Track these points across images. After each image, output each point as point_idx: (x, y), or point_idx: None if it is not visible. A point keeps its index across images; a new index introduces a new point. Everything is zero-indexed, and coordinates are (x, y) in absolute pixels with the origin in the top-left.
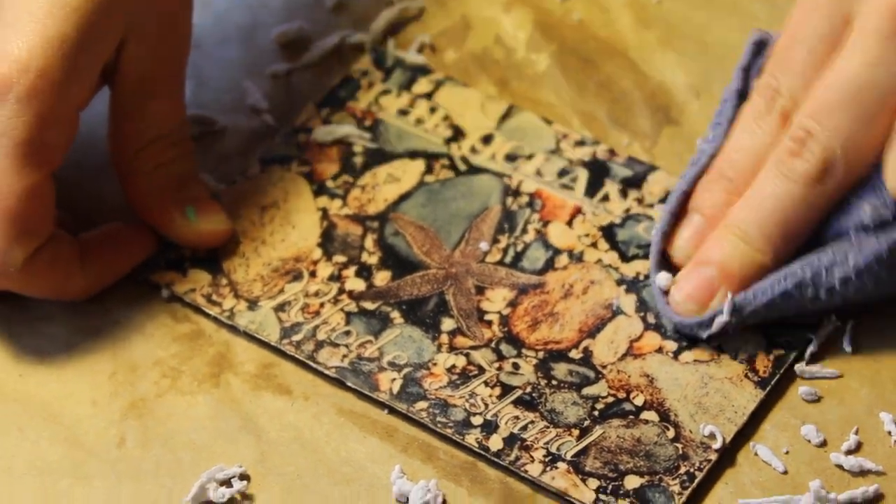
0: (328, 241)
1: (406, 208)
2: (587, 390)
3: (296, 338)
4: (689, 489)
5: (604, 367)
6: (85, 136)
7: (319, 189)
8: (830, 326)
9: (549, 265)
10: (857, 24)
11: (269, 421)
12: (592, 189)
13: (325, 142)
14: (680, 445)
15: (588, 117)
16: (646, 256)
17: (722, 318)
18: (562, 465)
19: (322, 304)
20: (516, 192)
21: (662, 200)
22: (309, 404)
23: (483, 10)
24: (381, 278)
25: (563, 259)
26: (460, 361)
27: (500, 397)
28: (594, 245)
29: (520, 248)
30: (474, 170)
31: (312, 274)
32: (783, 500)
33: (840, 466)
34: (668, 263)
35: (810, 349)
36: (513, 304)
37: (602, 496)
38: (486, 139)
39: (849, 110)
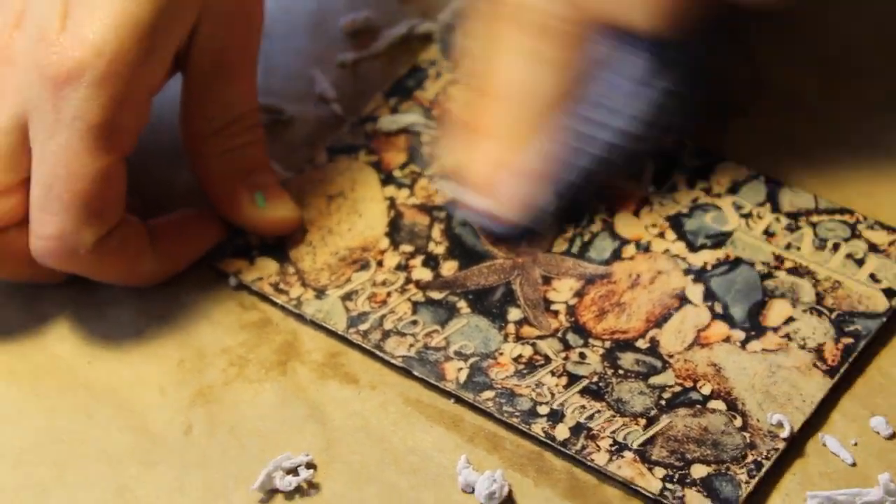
0: (395, 230)
1: None
2: (654, 380)
3: (363, 327)
4: (756, 478)
5: (671, 356)
6: (156, 122)
7: (387, 178)
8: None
9: (616, 255)
10: None
11: (336, 409)
12: (660, 179)
13: (391, 131)
14: (747, 434)
15: None
16: (713, 246)
17: (546, 207)
18: (628, 455)
19: (389, 294)
20: None
21: (731, 191)
22: (375, 393)
23: None
24: (448, 268)
25: (630, 249)
26: (527, 351)
27: (567, 387)
28: (661, 235)
29: (587, 238)
30: None
31: (379, 263)
32: (852, 492)
33: None
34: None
35: None
36: (579, 294)
37: (668, 485)
38: None
39: None
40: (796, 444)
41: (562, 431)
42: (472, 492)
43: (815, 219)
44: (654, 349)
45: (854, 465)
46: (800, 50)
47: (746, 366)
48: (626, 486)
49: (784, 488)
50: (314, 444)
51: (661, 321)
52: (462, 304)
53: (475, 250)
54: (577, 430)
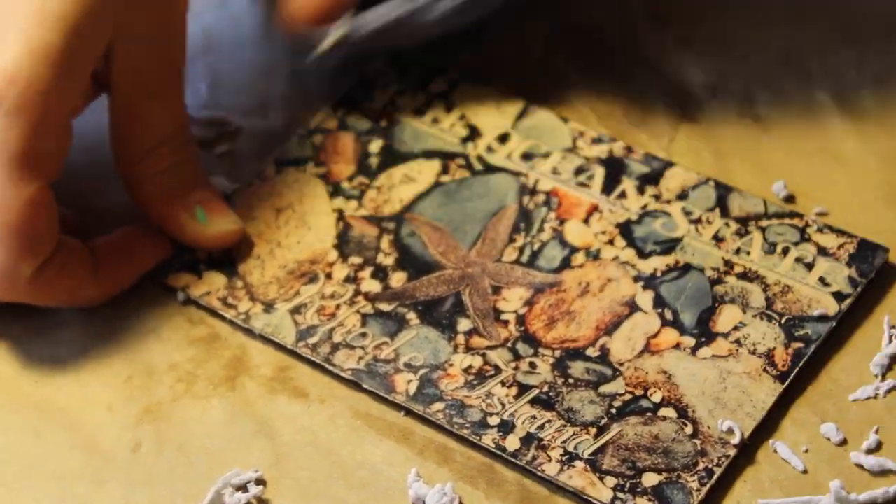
0: (344, 242)
1: (422, 208)
2: (604, 388)
3: (312, 340)
4: (708, 486)
5: (621, 364)
6: (96, 141)
7: (335, 190)
8: None
9: (566, 263)
10: None
11: (285, 424)
12: (609, 186)
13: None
14: (698, 442)
15: (605, 115)
16: (663, 253)
17: (339, 31)
18: (579, 464)
19: (338, 306)
20: (532, 191)
21: (680, 196)
22: (325, 407)
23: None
24: (397, 279)
25: (579, 257)
26: (477, 362)
27: (517, 397)
28: (611, 242)
29: (536, 246)
30: (490, 169)
31: (328, 276)
32: (803, 500)
33: (860, 466)
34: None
35: None
36: (529, 303)
37: (620, 494)
38: (503, 138)
39: None
40: (747, 451)
41: (512, 442)
42: None
43: (764, 223)
44: (604, 357)
45: (805, 471)
46: (747, 51)
47: (697, 372)
48: (578, 497)
49: (735, 496)
50: (263, 459)
51: (611, 329)
52: (411, 316)
53: (424, 261)
54: (527, 440)
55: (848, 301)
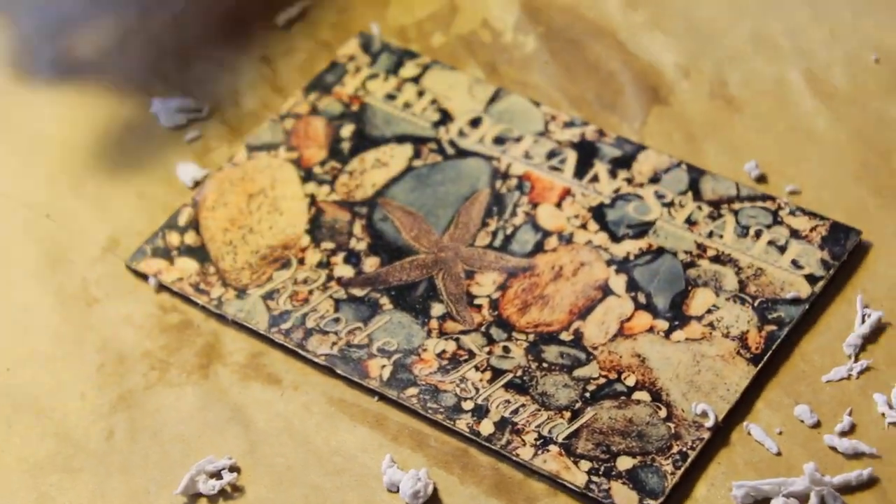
0: (316, 227)
1: (394, 193)
2: (578, 372)
3: (285, 326)
4: (682, 469)
5: (595, 348)
6: None
7: (307, 175)
8: None
9: (539, 248)
10: None
11: (259, 411)
12: (581, 170)
13: None
14: (672, 425)
15: (576, 99)
16: (636, 236)
17: None
18: (553, 448)
19: (311, 292)
20: (505, 175)
21: (652, 180)
22: (298, 394)
23: None
24: (370, 264)
25: (552, 241)
26: (450, 346)
27: (491, 381)
28: (584, 226)
29: (509, 231)
30: (462, 153)
31: (301, 261)
32: (777, 482)
33: (834, 448)
34: None
35: None
36: (502, 287)
37: (594, 478)
38: (475, 122)
39: None
40: (721, 434)
41: (486, 427)
42: (397, 491)
43: (736, 206)
44: (577, 341)
45: (779, 454)
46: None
47: (670, 356)
48: (552, 481)
49: (710, 478)
50: (237, 447)
51: (584, 313)
52: (385, 301)
53: (397, 246)
54: (501, 424)
55: (820, 283)
